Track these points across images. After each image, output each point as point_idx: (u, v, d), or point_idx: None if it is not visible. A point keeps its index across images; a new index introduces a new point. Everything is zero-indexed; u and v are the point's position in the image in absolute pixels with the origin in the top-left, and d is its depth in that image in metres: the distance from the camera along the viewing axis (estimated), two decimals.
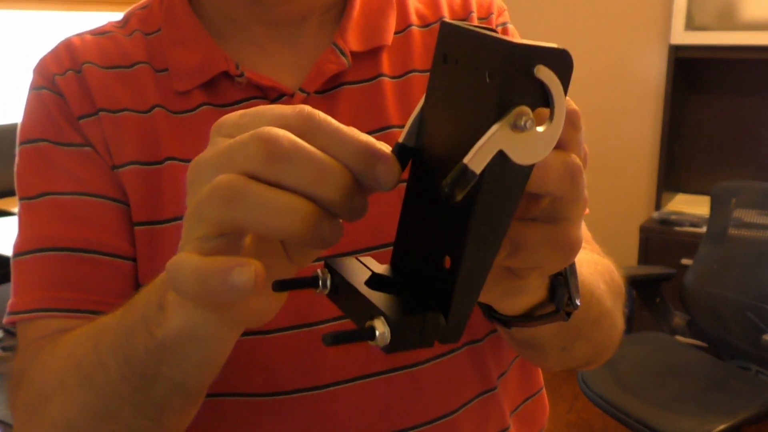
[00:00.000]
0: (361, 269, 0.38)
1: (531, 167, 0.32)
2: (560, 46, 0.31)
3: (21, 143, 0.63)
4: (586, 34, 2.97)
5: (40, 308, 0.59)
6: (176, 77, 0.63)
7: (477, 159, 0.31)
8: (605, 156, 2.97)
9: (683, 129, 2.88)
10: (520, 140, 0.31)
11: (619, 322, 0.64)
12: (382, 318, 0.32)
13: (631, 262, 2.72)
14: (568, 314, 0.47)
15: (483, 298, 0.46)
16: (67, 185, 0.61)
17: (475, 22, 0.69)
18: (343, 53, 0.63)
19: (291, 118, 0.35)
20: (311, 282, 0.38)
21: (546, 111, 0.32)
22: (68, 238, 0.59)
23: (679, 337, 2.28)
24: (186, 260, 0.35)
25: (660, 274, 2.28)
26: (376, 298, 0.34)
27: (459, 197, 0.31)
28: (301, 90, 0.62)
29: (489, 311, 0.51)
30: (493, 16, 0.70)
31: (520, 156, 0.31)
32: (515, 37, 0.70)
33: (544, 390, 0.77)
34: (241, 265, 0.33)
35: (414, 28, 0.68)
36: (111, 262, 0.60)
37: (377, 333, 0.32)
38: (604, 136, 2.98)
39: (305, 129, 0.35)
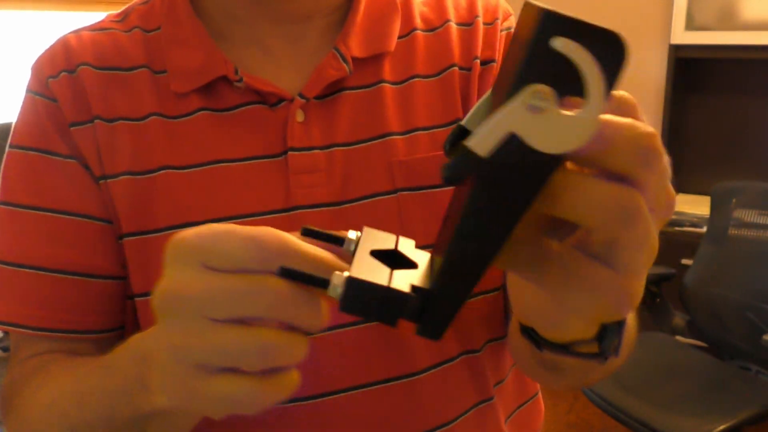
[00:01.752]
0: (389, 244, 0.36)
1: (555, 158, 0.27)
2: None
3: (11, 146, 0.63)
4: None
5: (31, 326, 0.60)
6: (174, 79, 0.61)
7: (482, 140, 0.27)
8: None
9: (683, 129, 2.88)
10: (538, 122, 0.26)
11: (634, 344, 0.61)
12: (344, 274, 0.31)
13: None
14: (607, 358, 0.43)
15: (525, 321, 0.45)
16: (52, 202, 0.60)
17: (481, 27, 0.68)
18: (344, 59, 0.62)
19: (253, 251, 0.35)
20: (338, 240, 0.37)
21: (579, 100, 0.27)
22: (54, 260, 0.60)
23: (679, 337, 2.28)
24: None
25: (660, 274, 2.28)
26: (361, 261, 0.33)
27: (459, 182, 0.27)
28: (301, 95, 0.61)
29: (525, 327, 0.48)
30: (498, 21, 0.69)
31: (538, 141, 0.27)
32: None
33: (539, 394, 0.76)
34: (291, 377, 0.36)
35: (418, 32, 0.67)
36: (92, 282, 0.60)
37: (331, 284, 0.32)
38: None
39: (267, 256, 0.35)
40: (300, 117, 0.60)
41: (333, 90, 0.62)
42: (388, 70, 0.64)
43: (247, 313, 0.34)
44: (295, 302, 0.34)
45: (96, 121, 0.61)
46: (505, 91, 0.27)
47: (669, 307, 2.31)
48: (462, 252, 0.30)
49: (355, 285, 0.31)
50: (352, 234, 0.36)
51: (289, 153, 0.60)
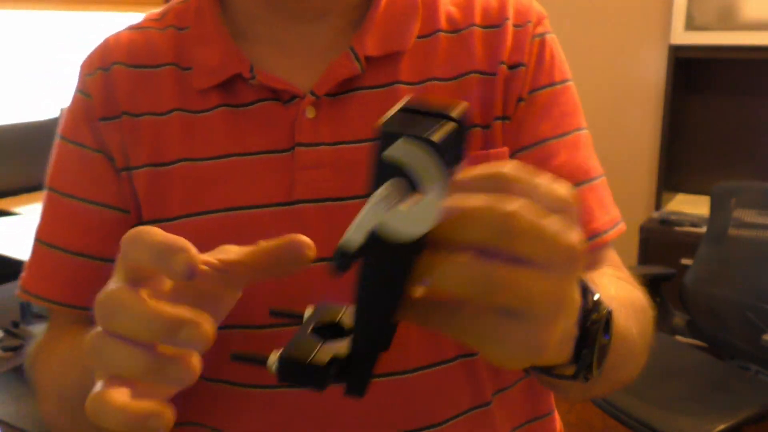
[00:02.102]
0: (333, 317, 0.41)
1: (415, 243, 0.32)
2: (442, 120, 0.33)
3: (57, 135, 0.69)
4: (585, 34, 2.97)
5: (56, 301, 0.66)
6: (197, 76, 0.65)
7: (350, 239, 0.32)
8: (605, 156, 2.95)
9: (683, 129, 2.88)
10: (391, 217, 0.31)
11: (644, 357, 0.61)
12: (277, 353, 0.37)
13: (631, 262, 2.71)
14: (587, 378, 0.45)
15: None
16: (77, 190, 0.66)
17: (510, 30, 0.67)
18: (357, 58, 0.63)
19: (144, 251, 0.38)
20: (300, 317, 0.42)
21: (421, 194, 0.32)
22: (75, 243, 0.65)
23: (679, 337, 2.28)
24: (108, 400, 0.38)
25: (660, 274, 2.28)
26: (299, 338, 0.38)
27: (343, 274, 0.32)
28: (312, 93, 0.62)
29: None
30: (530, 25, 0.67)
31: (392, 232, 0.31)
32: (552, 48, 0.68)
33: (555, 414, 0.75)
34: (156, 415, 0.37)
35: (441, 33, 0.66)
36: (107, 267, 0.62)
37: (268, 362, 0.37)
38: (603, 135, 2.98)
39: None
40: (310, 113, 0.62)
41: (346, 88, 0.63)
42: (404, 70, 0.64)
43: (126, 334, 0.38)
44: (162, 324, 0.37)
45: (123, 116, 0.65)
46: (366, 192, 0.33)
47: (669, 307, 2.31)
48: (362, 321, 0.35)
49: (283, 362, 0.37)
50: (308, 310, 0.41)
51: (296, 148, 0.62)
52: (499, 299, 0.33)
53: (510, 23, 0.67)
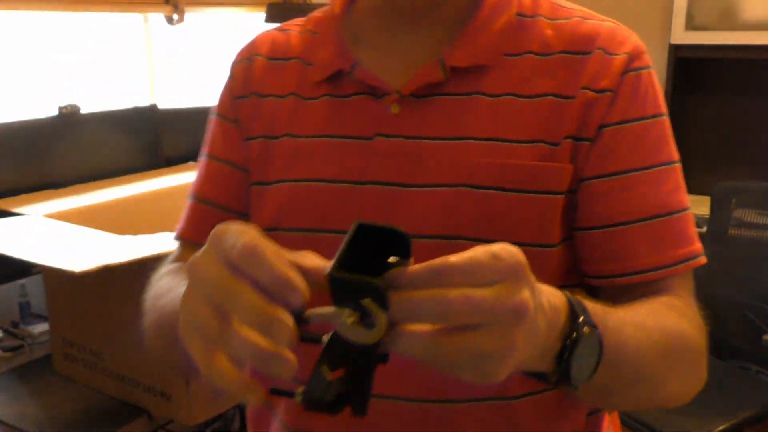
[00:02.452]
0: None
1: (370, 344, 0.44)
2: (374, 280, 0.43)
3: (212, 112, 0.85)
4: None
5: (185, 239, 0.83)
6: (313, 71, 0.78)
7: (324, 333, 0.46)
8: None
9: (683, 129, 2.88)
10: (348, 330, 0.44)
11: (672, 383, 0.70)
12: (302, 389, 0.46)
13: None
14: (570, 385, 0.54)
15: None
16: (216, 152, 0.82)
17: (599, 58, 0.70)
18: (444, 68, 0.71)
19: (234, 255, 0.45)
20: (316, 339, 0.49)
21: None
22: (207, 194, 0.82)
23: None
24: (223, 372, 0.46)
25: None
26: (314, 376, 0.46)
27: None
28: (398, 92, 0.72)
29: None
30: (625, 56, 0.70)
31: (352, 338, 0.44)
32: (648, 83, 0.71)
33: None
34: (254, 392, 0.45)
35: (531, 55, 0.72)
36: (225, 215, 0.80)
37: (295, 396, 0.46)
38: None
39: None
40: (395, 109, 0.72)
41: (430, 92, 0.72)
42: (487, 83, 0.71)
43: (223, 306, 0.45)
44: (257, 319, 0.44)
45: (252, 96, 0.80)
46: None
47: None
48: (354, 386, 0.46)
49: (305, 401, 0.46)
50: (326, 337, 0.47)
51: (377, 137, 0.72)
52: (454, 358, 0.45)
53: (601, 52, 0.70)
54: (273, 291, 0.43)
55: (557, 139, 0.69)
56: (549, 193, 0.68)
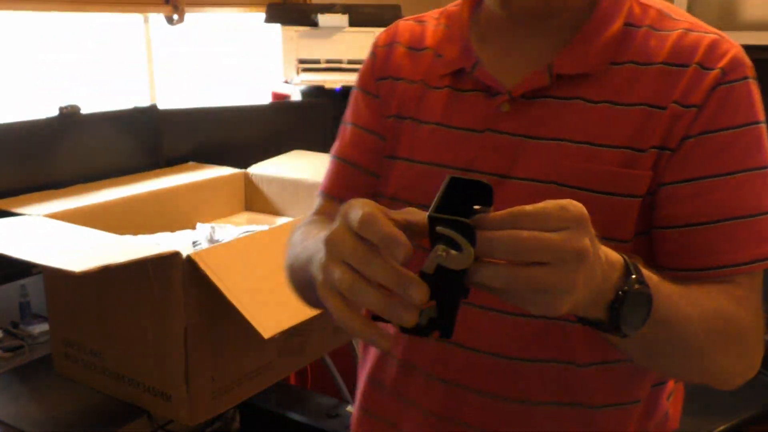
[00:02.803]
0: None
1: (458, 271, 0.53)
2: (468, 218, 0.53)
3: (355, 87, 0.97)
4: None
5: (326, 193, 0.96)
6: (441, 63, 0.87)
7: (428, 265, 0.53)
8: None
9: None
10: (446, 258, 0.52)
11: (724, 365, 0.74)
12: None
13: None
14: (621, 334, 0.61)
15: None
16: (360, 121, 0.94)
17: (695, 72, 0.74)
18: (551, 75, 0.78)
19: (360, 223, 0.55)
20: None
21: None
22: (351, 156, 0.94)
23: None
24: (353, 320, 0.55)
25: None
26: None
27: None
28: (509, 93, 0.80)
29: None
30: (719, 71, 0.74)
31: (449, 264, 0.53)
32: (741, 94, 0.75)
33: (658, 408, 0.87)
34: (385, 340, 0.54)
35: (631, 65, 0.77)
36: (361, 176, 0.93)
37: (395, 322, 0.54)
38: None
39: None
40: (505, 108, 0.81)
41: (537, 95, 0.79)
42: (588, 89, 0.77)
43: (355, 265, 0.54)
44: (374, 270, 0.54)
45: (389, 79, 0.92)
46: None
47: None
48: (445, 310, 0.55)
49: (401, 329, 0.55)
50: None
51: (486, 132, 0.81)
52: (523, 289, 0.53)
53: (697, 67, 0.74)
54: (384, 247, 0.52)
55: (644, 147, 0.74)
56: (628, 196, 0.74)
